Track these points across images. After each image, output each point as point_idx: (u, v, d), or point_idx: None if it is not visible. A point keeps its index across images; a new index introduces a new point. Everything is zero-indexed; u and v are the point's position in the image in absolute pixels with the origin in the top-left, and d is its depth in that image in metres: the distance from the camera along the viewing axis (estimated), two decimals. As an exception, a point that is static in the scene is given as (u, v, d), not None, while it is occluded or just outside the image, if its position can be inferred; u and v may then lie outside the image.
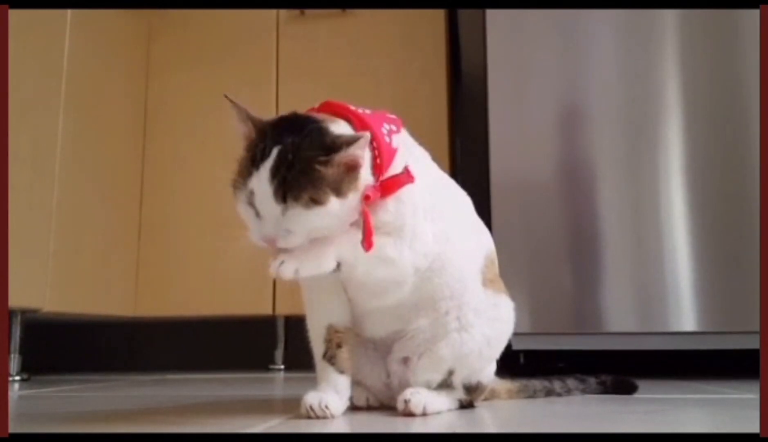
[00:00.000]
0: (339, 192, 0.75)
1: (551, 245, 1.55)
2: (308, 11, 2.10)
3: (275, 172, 0.73)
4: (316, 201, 0.73)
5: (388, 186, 0.80)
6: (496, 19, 1.66)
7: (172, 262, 2.05)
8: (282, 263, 0.75)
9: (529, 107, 1.61)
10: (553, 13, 1.62)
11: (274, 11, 2.13)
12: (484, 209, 0.97)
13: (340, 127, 0.80)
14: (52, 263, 1.67)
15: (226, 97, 0.80)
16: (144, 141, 2.13)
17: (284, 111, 0.83)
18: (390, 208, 0.81)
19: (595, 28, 1.61)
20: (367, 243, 0.76)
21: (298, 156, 0.73)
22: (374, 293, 0.84)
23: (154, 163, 2.12)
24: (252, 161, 0.75)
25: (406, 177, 0.81)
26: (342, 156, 0.74)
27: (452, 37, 2.19)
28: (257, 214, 0.75)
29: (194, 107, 2.13)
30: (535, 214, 1.57)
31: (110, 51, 1.99)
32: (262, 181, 0.73)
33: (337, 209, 0.75)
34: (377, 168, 0.79)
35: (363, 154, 0.76)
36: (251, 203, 0.75)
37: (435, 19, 2.06)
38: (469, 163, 2.24)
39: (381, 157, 0.80)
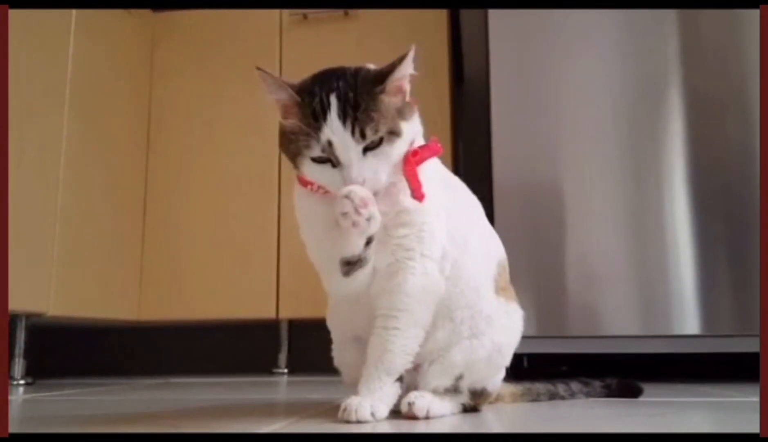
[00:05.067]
0: (403, 116, 0.78)
1: (555, 247, 1.55)
2: (311, 15, 2.11)
3: (344, 116, 0.74)
4: (394, 132, 0.76)
5: (417, 153, 0.80)
6: (498, 21, 1.66)
7: (176, 266, 2.05)
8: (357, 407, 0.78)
9: (531, 109, 1.61)
10: (555, 15, 1.63)
11: (277, 16, 2.14)
12: (487, 213, 0.96)
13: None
14: (57, 267, 1.68)
15: (258, 69, 0.80)
16: (148, 145, 2.14)
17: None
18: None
19: (598, 29, 1.61)
20: (418, 194, 0.78)
21: (358, 93, 0.75)
22: None
23: (158, 167, 2.13)
24: (314, 117, 0.75)
25: (434, 146, 0.82)
26: (396, 76, 0.77)
27: (455, 40, 2.19)
28: (335, 164, 0.75)
29: (198, 111, 2.13)
30: (538, 217, 1.57)
31: (114, 56, 2.00)
32: (335, 128, 0.74)
33: (407, 134, 0.77)
34: None
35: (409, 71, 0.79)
36: (328, 155, 0.75)
37: (437, 22, 2.06)
38: (471, 166, 2.24)
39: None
